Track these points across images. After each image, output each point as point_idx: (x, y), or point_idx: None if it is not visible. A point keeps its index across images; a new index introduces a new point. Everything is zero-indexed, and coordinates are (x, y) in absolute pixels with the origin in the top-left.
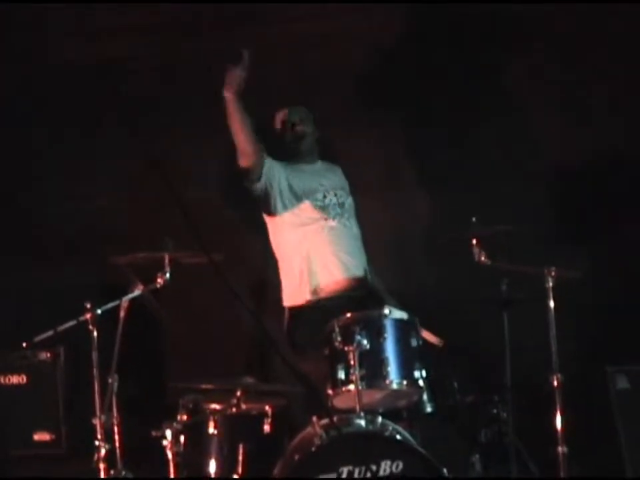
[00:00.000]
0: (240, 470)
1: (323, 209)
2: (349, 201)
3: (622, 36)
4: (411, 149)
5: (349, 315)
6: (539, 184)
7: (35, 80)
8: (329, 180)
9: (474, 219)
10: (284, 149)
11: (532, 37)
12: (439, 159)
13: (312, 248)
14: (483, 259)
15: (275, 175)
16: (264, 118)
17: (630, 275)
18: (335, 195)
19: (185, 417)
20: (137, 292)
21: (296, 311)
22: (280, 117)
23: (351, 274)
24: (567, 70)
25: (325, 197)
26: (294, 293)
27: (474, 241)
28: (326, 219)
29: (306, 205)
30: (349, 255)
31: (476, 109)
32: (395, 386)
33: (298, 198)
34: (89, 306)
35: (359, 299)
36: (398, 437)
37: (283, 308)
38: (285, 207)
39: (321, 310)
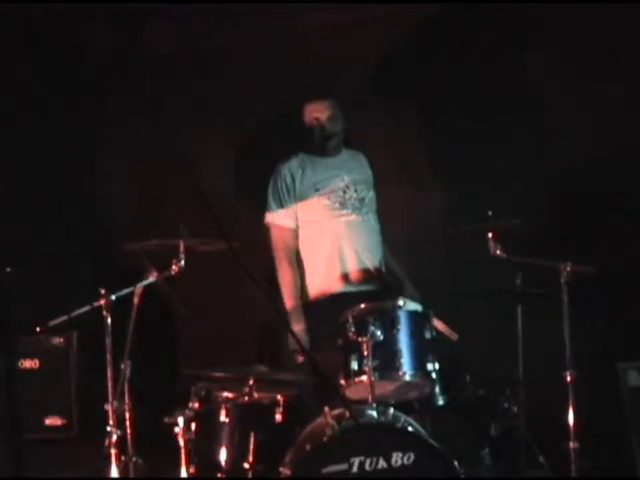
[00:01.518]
0: (251, 459)
1: (342, 204)
2: (370, 195)
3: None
4: (427, 141)
5: (362, 305)
6: (556, 179)
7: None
8: (352, 173)
9: (490, 213)
10: (312, 141)
11: (547, 33)
12: (456, 153)
13: (330, 242)
14: (498, 252)
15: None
16: (292, 106)
17: None
18: (356, 190)
19: (196, 405)
20: (151, 279)
21: (309, 304)
22: (310, 110)
23: (367, 268)
24: (584, 66)
25: (345, 192)
26: (308, 286)
27: (490, 235)
28: (344, 215)
29: (324, 201)
30: (367, 250)
31: (494, 104)
32: (407, 378)
33: (318, 196)
34: (103, 292)
35: (374, 294)
36: (410, 428)
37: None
38: (304, 210)
39: (333, 305)
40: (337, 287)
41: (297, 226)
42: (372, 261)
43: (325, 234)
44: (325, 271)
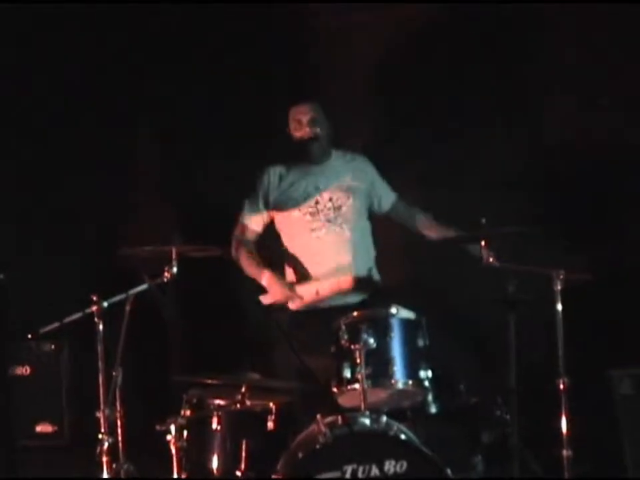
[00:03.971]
0: (243, 466)
1: (313, 216)
2: (349, 203)
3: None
4: (420, 148)
5: (355, 313)
6: (548, 186)
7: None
8: (333, 182)
9: (483, 220)
10: (296, 149)
11: (544, 35)
12: (448, 159)
13: (302, 256)
14: (491, 260)
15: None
16: (278, 113)
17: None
18: (331, 199)
19: (188, 412)
20: (143, 285)
21: (297, 312)
22: (293, 113)
23: (342, 279)
24: (580, 67)
25: (317, 202)
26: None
27: (482, 242)
28: (314, 229)
29: (295, 214)
30: (343, 262)
31: (486, 109)
32: (400, 385)
33: (291, 207)
34: (95, 298)
35: (355, 304)
36: (402, 436)
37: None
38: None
39: (319, 314)
40: (307, 300)
41: (261, 231)
42: (353, 271)
43: (298, 247)
44: (301, 282)
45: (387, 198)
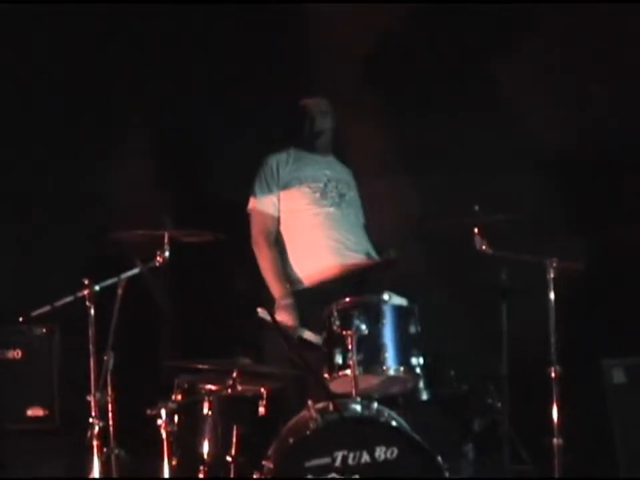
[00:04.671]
0: (233, 451)
1: (322, 195)
2: (351, 194)
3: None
4: (413, 135)
5: (347, 299)
6: (541, 173)
7: None
8: (335, 172)
9: (476, 208)
10: (302, 136)
11: (530, 22)
12: (441, 147)
13: (307, 233)
14: (484, 247)
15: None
16: (283, 104)
17: (631, 266)
18: (337, 186)
19: (179, 397)
20: (135, 269)
21: (302, 291)
22: (304, 105)
23: (348, 259)
24: (568, 55)
25: (326, 185)
26: (289, 279)
27: (475, 230)
28: (323, 205)
29: (305, 190)
30: (349, 242)
31: (479, 96)
32: (391, 372)
33: (299, 186)
34: (86, 282)
35: (357, 285)
36: (393, 423)
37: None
38: (286, 199)
39: (314, 295)
40: (317, 278)
41: (278, 215)
42: (355, 252)
43: (304, 224)
44: (305, 262)
45: (360, 213)
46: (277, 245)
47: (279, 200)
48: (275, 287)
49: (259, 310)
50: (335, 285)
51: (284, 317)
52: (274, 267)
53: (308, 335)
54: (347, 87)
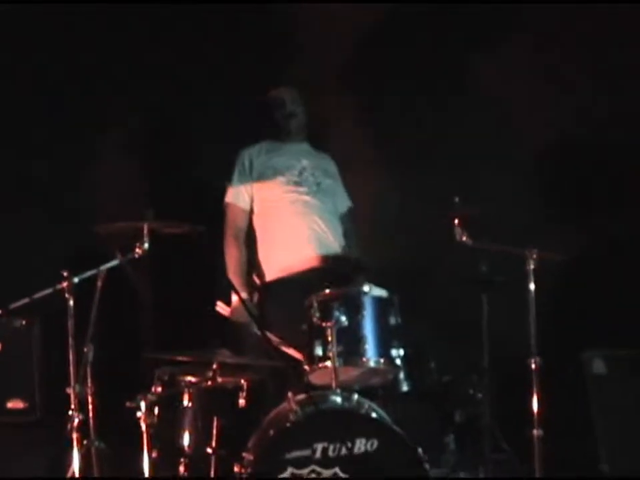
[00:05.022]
0: (214, 443)
1: (297, 184)
2: (328, 183)
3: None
4: (394, 127)
5: (327, 290)
6: (522, 165)
7: None
8: (311, 160)
9: (457, 199)
10: (274, 126)
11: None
12: (422, 138)
13: (285, 222)
14: (464, 238)
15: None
16: (257, 94)
17: (611, 257)
18: (313, 174)
19: (159, 389)
20: (115, 261)
21: (268, 286)
22: (272, 95)
23: (326, 248)
24: (549, 49)
25: (301, 173)
26: (268, 267)
27: (456, 221)
28: (299, 193)
29: (280, 180)
30: (328, 231)
31: (460, 90)
32: (371, 364)
33: (274, 175)
34: (66, 274)
35: (334, 275)
36: (373, 415)
37: (255, 284)
38: (261, 189)
39: (293, 285)
40: (302, 265)
41: (251, 208)
42: (331, 241)
43: (281, 213)
44: (286, 250)
45: (343, 201)
46: (247, 240)
47: (251, 194)
48: (234, 278)
49: (218, 304)
50: (314, 275)
51: (236, 312)
52: (236, 264)
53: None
54: (328, 82)
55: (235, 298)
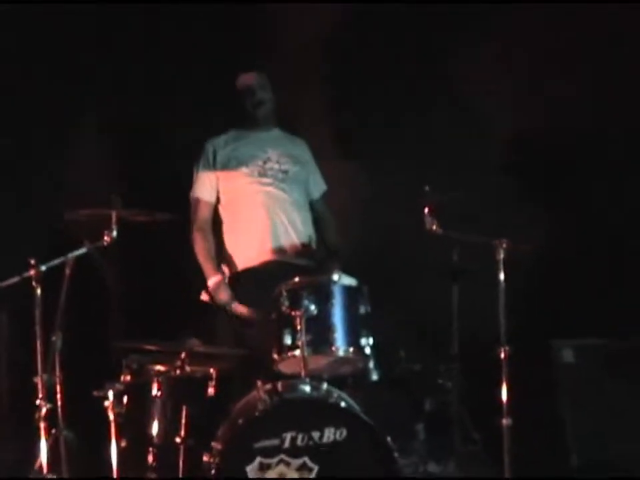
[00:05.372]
0: (183, 433)
1: (261, 175)
2: (295, 170)
3: None
4: (364, 116)
5: (297, 279)
6: (492, 153)
7: None
8: (278, 148)
9: (427, 188)
10: (243, 113)
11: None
12: (392, 127)
13: (247, 214)
14: (434, 227)
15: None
16: (226, 82)
17: (580, 247)
18: (278, 162)
19: (128, 378)
20: (82, 249)
21: (236, 276)
22: (241, 80)
23: (285, 241)
24: (520, 35)
25: (265, 163)
26: (233, 258)
27: (426, 210)
28: (262, 184)
29: (243, 171)
30: (291, 223)
31: (433, 78)
32: (341, 352)
33: (237, 166)
34: (32, 262)
35: (300, 267)
36: (342, 404)
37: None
38: (225, 179)
39: (261, 274)
40: (261, 258)
41: (217, 199)
42: (297, 234)
43: (245, 204)
44: (248, 242)
45: (318, 185)
46: (214, 228)
47: (216, 185)
48: (205, 268)
49: (202, 294)
50: (275, 267)
51: (216, 294)
52: (205, 252)
53: (239, 308)
54: (300, 68)
55: (210, 281)
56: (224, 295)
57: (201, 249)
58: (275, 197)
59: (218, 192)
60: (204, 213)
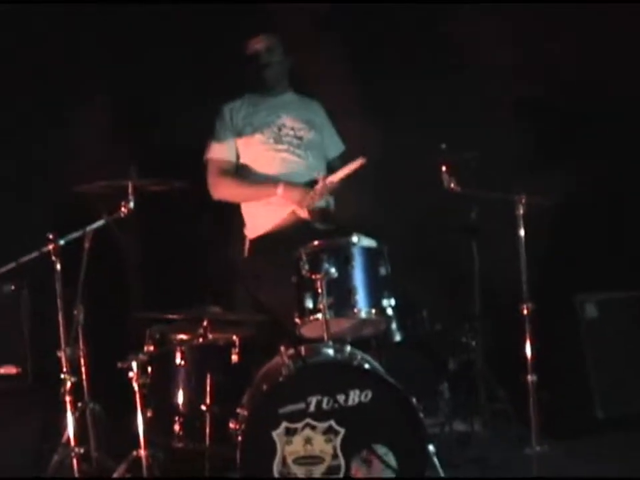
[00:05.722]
0: (208, 400)
1: (276, 140)
2: (311, 136)
3: None
4: (379, 77)
5: (316, 242)
6: (508, 111)
7: None
8: (292, 112)
9: (443, 146)
10: (252, 79)
11: None
12: (408, 87)
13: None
14: (452, 185)
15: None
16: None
17: (600, 200)
18: (293, 128)
19: (151, 348)
20: (101, 221)
21: (256, 241)
22: (250, 44)
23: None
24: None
25: (280, 129)
26: (253, 224)
27: (443, 168)
28: (277, 150)
29: (259, 138)
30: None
31: (445, 39)
32: (363, 314)
33: (252, 132)
34: (51, 237)
35: (319, 231)
36: (366, 366)
37: (244, 239)
38: (242, 144)
39: (280, 240)
40: (279, 223)
41: (236, 160)
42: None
43: (262, 170)
44: (264, 207)
45: (335, 145)
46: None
47: (234, 147)
48: (262, 191)
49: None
50: (296, 230)
51: (292, 195)
52: (246, 182)
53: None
54: (309, 33)
55: (279, 190)
56: (301, 194)
57: (238, 185)
58: (291, 162)
59: (237, 155)
60: (225, 168)
